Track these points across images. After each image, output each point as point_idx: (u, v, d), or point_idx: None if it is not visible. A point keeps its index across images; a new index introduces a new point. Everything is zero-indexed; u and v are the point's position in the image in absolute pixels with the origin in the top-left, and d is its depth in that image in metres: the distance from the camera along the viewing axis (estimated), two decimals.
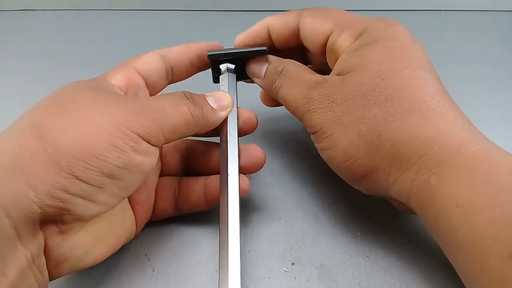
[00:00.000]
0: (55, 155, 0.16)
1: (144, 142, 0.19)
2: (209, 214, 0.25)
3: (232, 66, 0.26)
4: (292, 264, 0.23)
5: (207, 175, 0.25)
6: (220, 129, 0.24)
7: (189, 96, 0.21)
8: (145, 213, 0.23)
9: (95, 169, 0.17)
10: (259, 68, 0.25)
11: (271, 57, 0.25)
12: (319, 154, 0.23)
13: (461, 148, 0.18)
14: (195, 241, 0.24)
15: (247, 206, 0.26)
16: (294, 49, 0.27)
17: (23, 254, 0.16)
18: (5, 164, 0.16)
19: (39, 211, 0.16)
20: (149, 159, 0.19)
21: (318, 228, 0.25)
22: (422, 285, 0.21)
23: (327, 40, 0.23)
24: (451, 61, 0.40)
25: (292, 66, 0.24)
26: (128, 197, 0.22)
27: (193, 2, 0.51)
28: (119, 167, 0.18)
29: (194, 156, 0.26)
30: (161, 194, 0.24)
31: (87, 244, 0.19)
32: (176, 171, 0.26)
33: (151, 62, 0.23)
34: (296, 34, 0.25)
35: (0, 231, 0.15)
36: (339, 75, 0.22)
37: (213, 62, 0.25)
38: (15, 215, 0.15)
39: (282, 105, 0.29)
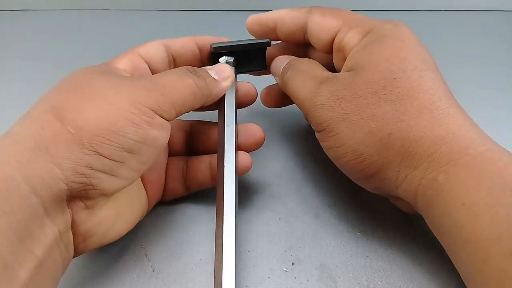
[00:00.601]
0: (77, 134, 0.17)
1: (157, 116, 0.19)
2: (209, 214, 0.25)
3: (231, 59, 0.26)
4: (292, 264, 0.23)
5: (211, 154, 0.25)
6: (219, 117, 0.24)
7: (191, 70, 0.22)
8: (156, 192, 0.25)
9: (115, 144, 0.18)
10: (279, 65, 0.26)
11: (291, 57, 0.26)
12: (319, 154, 0.23)
13: (469, 149, 0.18)
14: (195, 241, 0.24)
15: (247, 205, 0.26)
16: (297, 47, 0.27)
17: (51, 230, 0.16)
18: (29, 146, 0.17)
19: (66, 187, 0.17)
20: (162, 133, 0.20)
21: (318, 228, 0.25)
22: (422, 285, 0.21)
23: (334, 39, 0.24)
24: (451, 61, 0.39)
25: (307, 61, 0.24)
26: (140, 177, 0.23)
27: (193, 2, 0.51)
28: (137, 141, 0.19)
29: (197, 136, 0.27)
30: (170, 174, 0.25)
31: (111, 219, 0.20)
32: (182, 151, 0.27)
33: (154, 49, 0.24)
34: (303, 30, 0.25)
35: (28, 209, 0.15)
36: (348, 72, 0.22)
37: (213, 54, 0.25)
38: (43, 193, 0.16)
39: (282, 106, 0.29)
